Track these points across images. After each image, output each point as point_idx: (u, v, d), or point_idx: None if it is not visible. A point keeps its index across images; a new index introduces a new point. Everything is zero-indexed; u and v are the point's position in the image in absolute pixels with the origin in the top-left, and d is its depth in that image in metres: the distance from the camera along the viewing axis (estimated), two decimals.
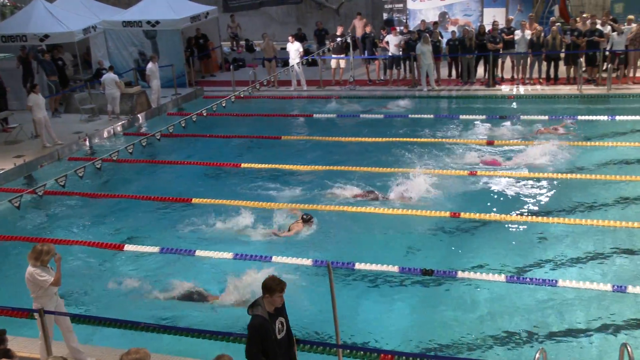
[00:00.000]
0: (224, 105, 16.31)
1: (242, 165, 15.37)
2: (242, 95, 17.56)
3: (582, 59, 19.27)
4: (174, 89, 21.76)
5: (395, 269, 10.04)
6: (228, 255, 10.95)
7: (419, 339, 8.39)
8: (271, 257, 10.70)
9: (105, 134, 18.53)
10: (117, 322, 8.55)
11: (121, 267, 11.02)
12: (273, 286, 6.25)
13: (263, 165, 15.16)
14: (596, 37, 18.80)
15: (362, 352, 8.05)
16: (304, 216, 11.78)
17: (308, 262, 10.47)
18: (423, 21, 22.35)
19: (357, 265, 10.22)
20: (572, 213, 11.60)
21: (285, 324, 6.55)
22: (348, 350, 7.96)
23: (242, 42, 27.03)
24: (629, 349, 6.30)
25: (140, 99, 20.36)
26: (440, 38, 21.18)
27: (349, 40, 22.08)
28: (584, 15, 20.41)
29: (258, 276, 9.61)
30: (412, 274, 9.89)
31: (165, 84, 21.48)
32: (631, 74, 19.42)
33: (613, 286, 9.07)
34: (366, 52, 22.13)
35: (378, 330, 8.63)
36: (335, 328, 7.27)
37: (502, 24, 20.99)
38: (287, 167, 14.96)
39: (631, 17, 19.29)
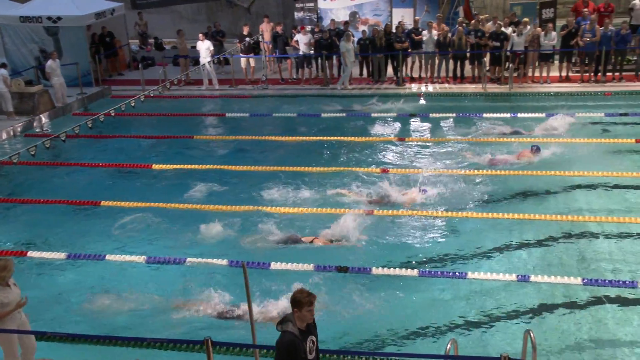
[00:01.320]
0: (133, 104, 15.86)
1: (153, 166, 15.00)
2: (152, 95, 17.13)
3: (486, 59, 20.06)
4: (79, 88, 20.90)
5: (310, 267, 10.10)
6: (140, 258, 10.67)
7: (335, 335, 8.47)
8: (185, 259, 10.51)
9: (4, 135, 17.56)
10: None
11: (26, 275, 10.49)
12: (301, 299, 5.83)
13: (175, 166, 14.85)
14: (495, 44, 19.65)
15: None
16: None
17: (223, 262, 10.37)
18: (333, 20, 22.57)
19: (273, 265, 10.20)
20: (479, 207, 12.02)
21: (315, 344, 6.10)
22: (265, 350, 7.93)
23: (151, 40, 26.34)
24: (531, 335, 6.60)
25: (43, 98, 19.42)
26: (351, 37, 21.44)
27: (260, 39, 21.99)
28: (482, 17, 21.27)
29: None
30: (327, 272, 9.98)
31: (70, 82, 20.57)
32: (530, 74, 20.41)
33: (517, 276, 9.50)
34: (277, 51, 22.10)
35: None
36: (251, 328, 7.23)
37: (410, 24, 21.52)
38: (200, 167, 14.73)
39: (526, 19, 20.26)
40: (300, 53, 21.34)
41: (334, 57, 21.25)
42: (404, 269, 9.91)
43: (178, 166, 14.81)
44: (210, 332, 7.85)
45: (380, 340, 8.37)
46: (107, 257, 10.75)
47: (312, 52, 21.15)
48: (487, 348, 8.05)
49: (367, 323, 8.74)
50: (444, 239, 10.98)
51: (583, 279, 9.27)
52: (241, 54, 22.06)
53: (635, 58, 19.91)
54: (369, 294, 9.39)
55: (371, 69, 21.34)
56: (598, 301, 8.90)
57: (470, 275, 9.63)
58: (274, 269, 10.13)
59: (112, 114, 15.63)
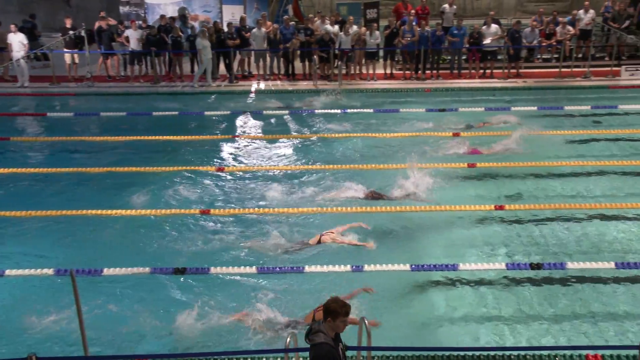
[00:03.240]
0: None
1: None
2: None
3: (316, 56, 20.61)
4: None
5: (146, 270, 9.72)
6: None
7: (173, 339, 8.23)
8: (4, 271, 9.64)
9: None
10: None
11: None
12: (337, 309, 5.72)
13: None
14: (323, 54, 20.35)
15: None
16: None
17: (49, 271, 9.64)
18: (163, 16, 21.90)
19: (106, 271, 9.67)
20: (302, 202, 12.19)
21: (344, 352, 5.98)
22: None
23: None
24: (366, 322, 6.87)
25: None
26: (180, 34, 20.94)
27: (82, 33, 20.79)
28: (310, 16, 21.89)
29: None
30: (164, 274, 9.66)
31: None
32: (357, 71, 21.32)
33: (352, 266, 9.83)
34: (102, 47, 21.01)
35: (130, 336, 8.27)
36: (82, 339, 6.82)
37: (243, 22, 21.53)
38: (19, 170, 13.58)
39: (351, 18, 21.14)
40: (130, 49, 20.49)
41: (165, 53, 20.72)
42: (242, 267, 9.86)
43: None
44: (37, 348, 7.26)
45: (221, 340, 8.25)
46: None
47: (140, 48, 20.40)
48: None
49: (206, 323, 8.57)
50: (280, 234, 11.07)
51: (411, 265, 9.80)
52: (65, 49, 20.69)
53: (449, 57, 21.55)
54: (208, 295, 9.24)
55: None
56: (426, 285, 9.48)
57: (307, 268, 9.80)
58: (106, 275, 9.61)
59: None
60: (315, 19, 21.71)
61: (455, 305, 8.98)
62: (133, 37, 20.34)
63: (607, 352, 7.41)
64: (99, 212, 11.62)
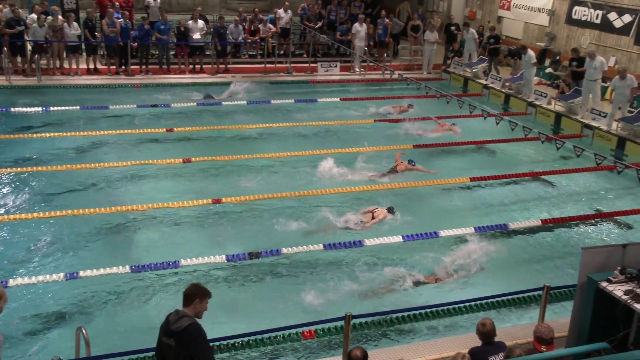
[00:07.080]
0: None
1: None
2: None
3: (6, 48, 18.59)
4: None
5: None
6: None
7: None
8: None
9: None
10: None
11: None
12: (204, 291, 5.62)
13: None
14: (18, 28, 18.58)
15: None
16: (390, 208, 11.83)
17: None
18: None
19: None
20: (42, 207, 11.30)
21: None
22: None
23: None
24: (84, 331, 6.50)
25: None
26: None
27: None
28: None
29: None
30: None
31: None
32: (58, 65, 19.81)
33: (66, 275, 9.11)
34: None
35: None
36: None
37: None
38: None
39: (39, 7, 19.52)
40: None
41: None
42: None
43: None
44: None
45: None
46: None
47: None
48: (39, 355, 7.61)
49: None
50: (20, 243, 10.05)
51: (131, 266, 9.42)
52: None
53: (157, 52, 21.28)
54: None
55: None
56: (148, 285, 9.24)
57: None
58: None
59: None
60: (1, 6, 19.59)
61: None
62: None
63: (320, 326, 8.05)
64: None
